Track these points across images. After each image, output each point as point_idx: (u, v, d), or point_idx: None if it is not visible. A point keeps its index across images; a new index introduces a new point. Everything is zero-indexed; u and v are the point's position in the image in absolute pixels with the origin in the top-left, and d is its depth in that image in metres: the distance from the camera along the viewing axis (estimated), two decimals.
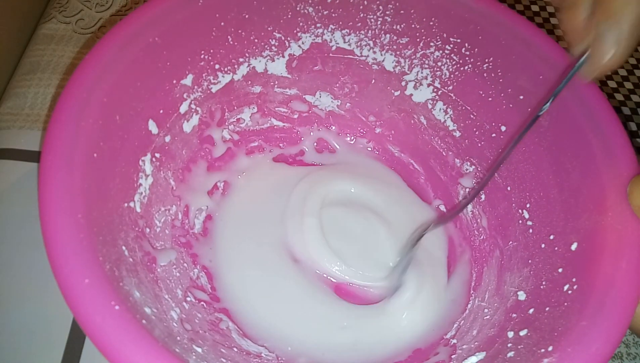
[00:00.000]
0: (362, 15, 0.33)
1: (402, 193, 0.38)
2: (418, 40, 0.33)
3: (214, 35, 0.31)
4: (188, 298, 0.29)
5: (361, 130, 0.40)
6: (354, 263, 0.34)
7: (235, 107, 0.36)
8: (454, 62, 0.33)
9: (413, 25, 0.33)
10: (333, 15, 0.33)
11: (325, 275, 0.34)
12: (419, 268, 0.34)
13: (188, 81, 0.31)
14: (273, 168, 0.38)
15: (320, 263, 0.34)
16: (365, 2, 0.33)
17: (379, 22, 0.33)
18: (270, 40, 0.33)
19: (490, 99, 0.32)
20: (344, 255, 0.35)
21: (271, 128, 0.39)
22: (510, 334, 0.26)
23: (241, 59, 0.33)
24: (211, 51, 0.32)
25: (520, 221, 0.31)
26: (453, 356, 0.28)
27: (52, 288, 0.25)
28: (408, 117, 0.37)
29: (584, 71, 0.24)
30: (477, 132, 0.34)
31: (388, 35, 0.34)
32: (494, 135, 0.33)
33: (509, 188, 0.32)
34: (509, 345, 0.25)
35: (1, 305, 0.33)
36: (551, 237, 0.28)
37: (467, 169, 0.35)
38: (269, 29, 0.33)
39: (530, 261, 0.29)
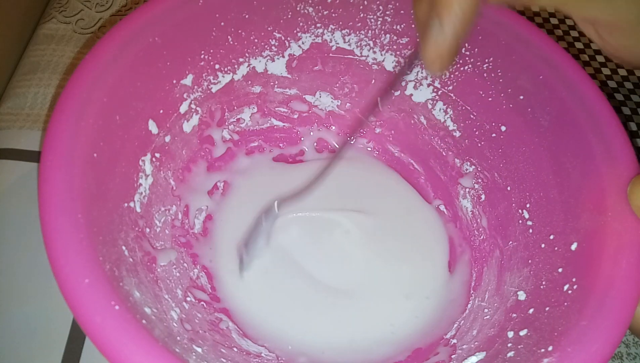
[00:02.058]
0: (362, 15, 0.33)
1: (402, 193, 0.38)
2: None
3: (214, 35, 0.31)
4: (188, 298, 0.29)
5: (361, 130, 0.39)
6: (344, 271, 0.34)
7: (235, 107, 0.36)
8: (454, 62, 0.33)
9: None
10: (333, 15, 0.33)
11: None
12: (418, 267, 0.34)
13: (188, 81, 0.31)
14: (273, 168, 0.38)
15: (311, 274, 0.34)
16: (365, 2, 0.33)
17: (379, 22, 0.33)
18: (270, 40, 0.33)
19: (490, 99, 0.32)
20: (333, 265, 0.34)
21: (271, 128, 0.39)
22: (510, 334, 0.26)
23: (241, 59, 0.33)
24: (211, 51, 0.32)
25: (520, 221, 0.31)
26: (453, 356, 0.28)
27: (52, 288, 0.25)
28: (408, 117, 0.37)
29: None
30: (477, 133, 0.34)
31: (388, 35, 0.34)
32: (494, 135, 0.33)
33: (509, 188, 0.32)
34: (509, 345, 0.25)
35: (1, 305, 0.33)
36: (551, 237, 0.28)
37: (467, 169, 0.35)
38: (269, 29, 0.33)
39: (530, 261, 0.29)
